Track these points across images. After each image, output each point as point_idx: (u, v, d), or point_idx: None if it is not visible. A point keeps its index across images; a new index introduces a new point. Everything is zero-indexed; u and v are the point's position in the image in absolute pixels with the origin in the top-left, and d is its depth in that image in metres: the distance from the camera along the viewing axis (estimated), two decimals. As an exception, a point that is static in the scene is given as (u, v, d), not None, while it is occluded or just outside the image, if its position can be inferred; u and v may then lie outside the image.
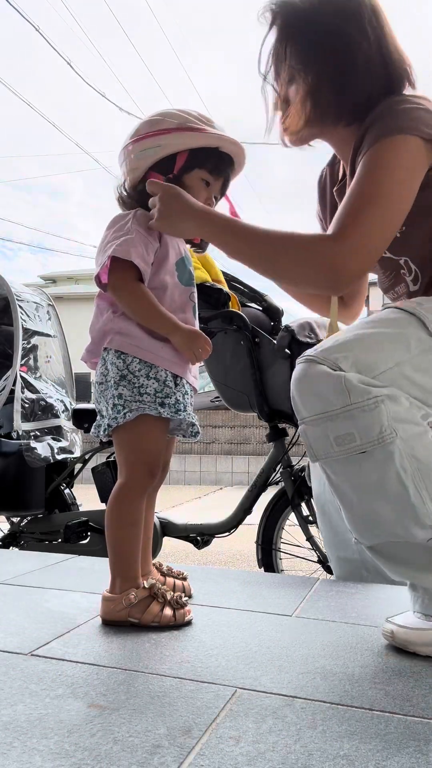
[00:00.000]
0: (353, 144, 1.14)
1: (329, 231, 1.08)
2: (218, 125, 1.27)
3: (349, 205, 1.06)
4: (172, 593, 1.20)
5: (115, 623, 1.18)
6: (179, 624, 1.17)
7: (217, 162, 1.28)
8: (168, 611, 1.17)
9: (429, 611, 1.03)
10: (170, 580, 1.32)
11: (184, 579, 1.34)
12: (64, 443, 2.56)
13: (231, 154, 1.28)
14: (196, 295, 1.33)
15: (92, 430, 1.29)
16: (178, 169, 1.25)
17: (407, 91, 1.15)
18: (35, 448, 2.37)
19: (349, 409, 0.98)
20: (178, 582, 1.31)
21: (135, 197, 1.28)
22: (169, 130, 1.23)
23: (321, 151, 1.30)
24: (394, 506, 0.99)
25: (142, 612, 1.16)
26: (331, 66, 1.14)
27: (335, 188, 1.32)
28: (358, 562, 1.56)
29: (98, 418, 1.27)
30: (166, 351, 1.22)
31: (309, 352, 1.07)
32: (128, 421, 1.19)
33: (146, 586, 1.19)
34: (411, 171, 1.06)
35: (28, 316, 2.64)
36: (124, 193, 1.30)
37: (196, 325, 1.31)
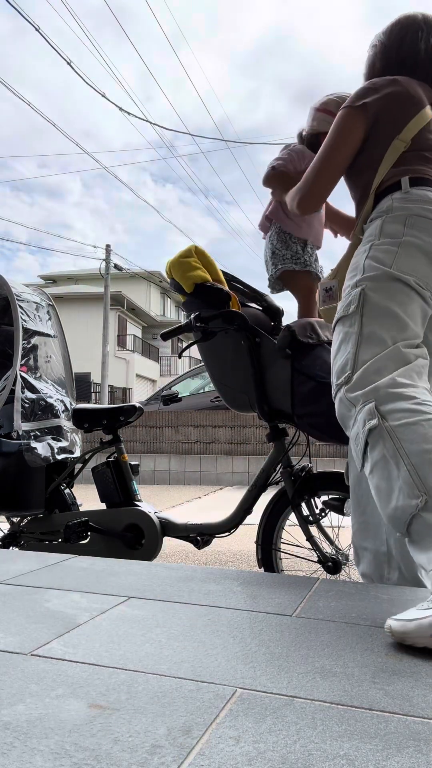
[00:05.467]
0: None
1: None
2: None
3: (312, 164, 1.65)
4: None
5: None
6: None
7: None
8: None
9: None
10: None
11: None
12: (64, 443, 2.56)
13: None
14: None
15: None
16: None
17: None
18: (35, 448, 2.37)
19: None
20: None
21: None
22: None
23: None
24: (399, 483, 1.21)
25: None
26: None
27: None
28: (383, 555, 1.58)
29: None
30: None
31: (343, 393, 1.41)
32: None
33: None
34: (344, 135, 1.59)
35: (29, 316, 2.64)
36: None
37: None
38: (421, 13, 1.66)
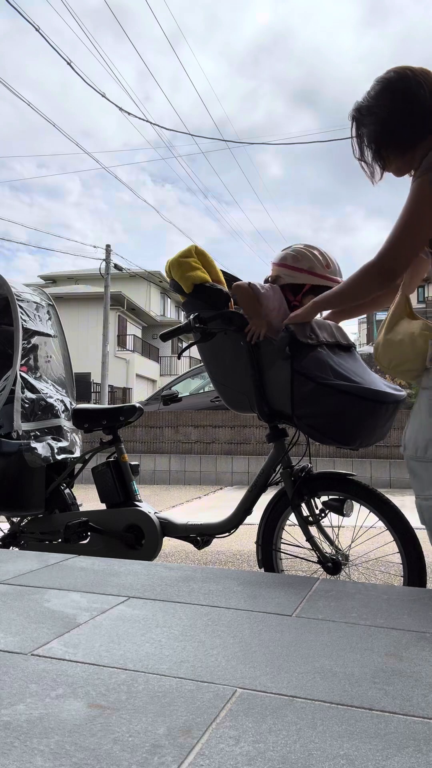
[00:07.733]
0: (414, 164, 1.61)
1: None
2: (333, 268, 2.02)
3: (391, 232, 1.55)
4: None
5: None
6: None
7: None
8: None
9: None
10: None
11: None
12: (64, 443, 2.56)
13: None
14: None
15: None
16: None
17: None
18: (35, 448, 2.37)
19: None
20: None
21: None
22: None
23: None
24: None
25: None
26: (386, 130, 1.61)
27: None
28: None
29: None
30: None
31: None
32: None
33: None
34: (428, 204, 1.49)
35: (29, 316, 2.64)
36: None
37: None
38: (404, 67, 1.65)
